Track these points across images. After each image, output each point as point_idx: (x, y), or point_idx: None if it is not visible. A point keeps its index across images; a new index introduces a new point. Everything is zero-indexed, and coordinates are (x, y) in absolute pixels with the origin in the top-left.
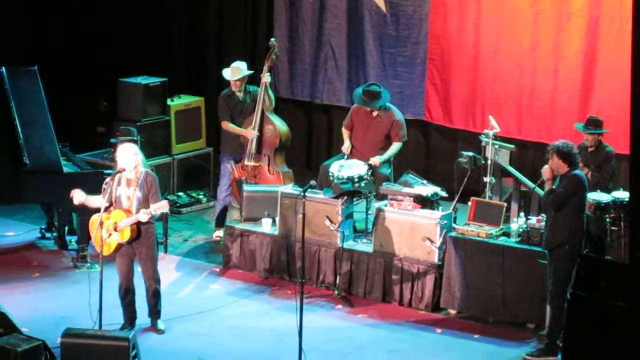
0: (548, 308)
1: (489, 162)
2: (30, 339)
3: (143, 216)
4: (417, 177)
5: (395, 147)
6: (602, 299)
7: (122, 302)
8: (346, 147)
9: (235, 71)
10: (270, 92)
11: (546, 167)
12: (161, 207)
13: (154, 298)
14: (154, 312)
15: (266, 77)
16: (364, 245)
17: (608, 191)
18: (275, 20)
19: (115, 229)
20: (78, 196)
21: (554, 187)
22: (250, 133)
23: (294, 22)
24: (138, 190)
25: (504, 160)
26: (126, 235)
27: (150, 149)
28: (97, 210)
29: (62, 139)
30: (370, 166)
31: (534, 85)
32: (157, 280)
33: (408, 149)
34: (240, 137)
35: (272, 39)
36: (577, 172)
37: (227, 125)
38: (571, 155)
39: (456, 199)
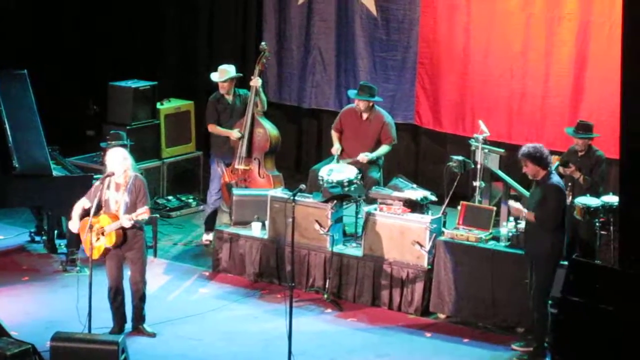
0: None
1: (478, 166)
2: (19, 343)
3: (126, 222)
4: (406, 181)
5: (384, 148)
6: (591, 303)
7: (112, 305)
8: (335, 149)
9: (223, 73)
10: (262, 95)
11: (513, 206)
12: (141, 213)
13: (141, 302)
14: (139, 316)
15: (257, 81)
16: (354, 249)
17: (598, 195)
18: (264, 24)
19: (102, 233)
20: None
21: (536, 214)
22: (233, 135)
23: (282, 26)
24: (126, 195)
25: (493, 164)
26: (112, 239)
27: (139, 153)
28: (89, 213)
29: (51, 142)
30: (360, 170)
31: (524, 90)
32: (144, 284)
33: (398, 152)
34: (230, 141)
35: (263, 43)
36: (554, 179)
37: (214, 128)
38: (544, 157)
39: (446, 203)
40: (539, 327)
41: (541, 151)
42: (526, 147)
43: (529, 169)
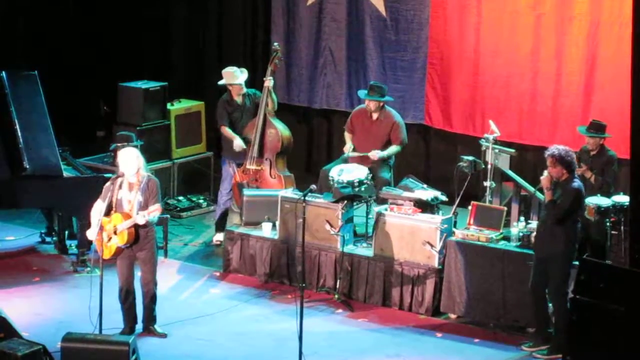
0: (548, 306)
1: (489, 166)
2: (30, 344)
3: (140, 218)
4: (417, 181)
5: (394, 148)
6: (602, 303)
7: (123, 305)
8: (347, 147)
9: (230, 76)
10: (273, 95)
11: (546, 175)
12: (153, 210)
13: (152, 303)
14: (150, 317)
15: (269, 81)
16: (364, 250)
17: (609, 195)
18: (272, 25)
19: (115, 232)
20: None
21: (555, 197)
22: (237, 146)
23: (290, 27)
24: (140, 195)
25: (504, 164)
26: (124, 238)
27: (150, 154)
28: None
29: (62, 143)
30: (370, 170)
31: (535, 90)
32: (155, 285)
33: (408, 153)
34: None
35: (275, 43)
36: (576, 184)
37: (225, 131)
38: (573, 163)
39: (456, 203)
40: (561, 325)
41: (572, 156)
42: (557, 149)
43: (556, 170)
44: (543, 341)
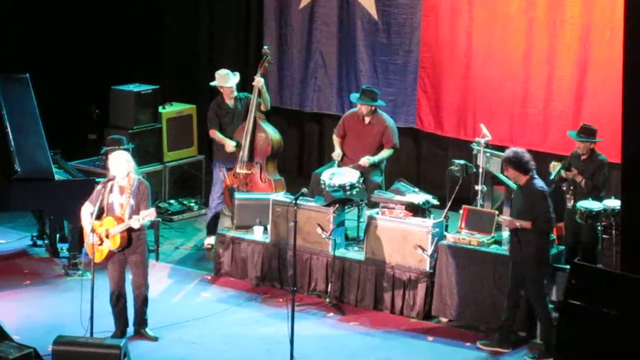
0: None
1: (480, 170)
2: (21, 347)
3: (135, 222)
4: (408, 185)
5: (386, 152)
6: (593, 307)
7: (114, 309)
8: (337, 154)
9: (224, 79)
10: (266, 94)
11: (505, 219)
12: (148, 214)
13: (143, 306)
14: (141, 320)
15: (258, 81)
16: (356, 253)
17: (600, 199)
18: (264, 29)
19: (107, 236)
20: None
21: (530, 218)
22: (228, 146)
23: (282, 30)
24: (131, 198)
25: (495, 168)
26: (117, 242)
27: (141, 157)
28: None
29: (53, 146)
30: (362, 174)
31: (526, 93)
32: (147, 288)
33: (400, 156)
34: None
35: (265, 47)
36: (538, 185)
37: (215, 135)
38: (523, 162)
39: (448, 207)
40: (545, 328)
41: (520, 156)
42: (509, 151)
43: (509, 173)
44: (498, 344)
